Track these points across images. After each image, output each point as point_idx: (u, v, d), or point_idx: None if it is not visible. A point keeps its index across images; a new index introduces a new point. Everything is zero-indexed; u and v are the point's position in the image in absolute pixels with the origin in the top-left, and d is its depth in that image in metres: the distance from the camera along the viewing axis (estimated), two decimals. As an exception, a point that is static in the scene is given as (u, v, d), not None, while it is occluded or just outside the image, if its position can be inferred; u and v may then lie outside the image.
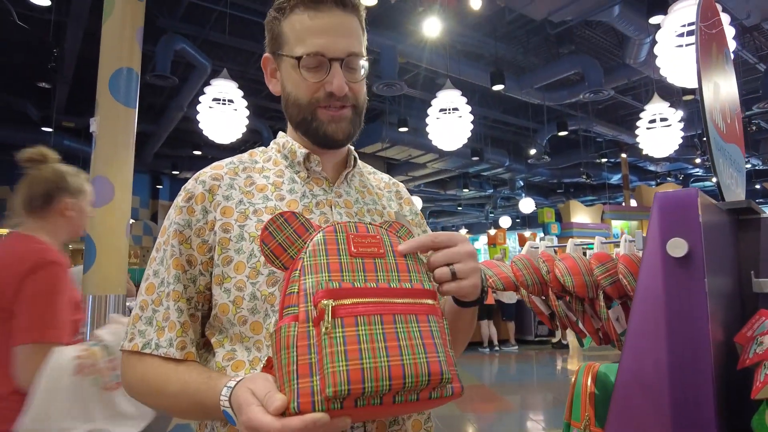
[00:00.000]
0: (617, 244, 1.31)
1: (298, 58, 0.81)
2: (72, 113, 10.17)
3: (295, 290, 0.62)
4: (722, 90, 0.95)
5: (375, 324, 0.60)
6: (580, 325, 1.21)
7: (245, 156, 0.91)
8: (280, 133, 0.96)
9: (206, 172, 0.85)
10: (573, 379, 1.17)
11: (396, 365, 0.58)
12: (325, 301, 0.59)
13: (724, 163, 0.90)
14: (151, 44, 6.87)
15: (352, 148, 0.95)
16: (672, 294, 0.64)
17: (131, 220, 3.48)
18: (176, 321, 0.78)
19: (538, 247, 1.29)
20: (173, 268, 0.80)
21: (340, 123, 0.84)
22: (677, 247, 0.63)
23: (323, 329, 0.57)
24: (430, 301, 0.66)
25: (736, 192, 0.95)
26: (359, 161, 0.96)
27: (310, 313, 0.59)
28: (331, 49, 0.81)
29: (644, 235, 1.06)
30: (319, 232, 0.67)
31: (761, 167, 14.72)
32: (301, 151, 0.88)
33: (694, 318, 0.62)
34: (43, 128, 9.89)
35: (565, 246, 1.32)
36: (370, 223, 0.72)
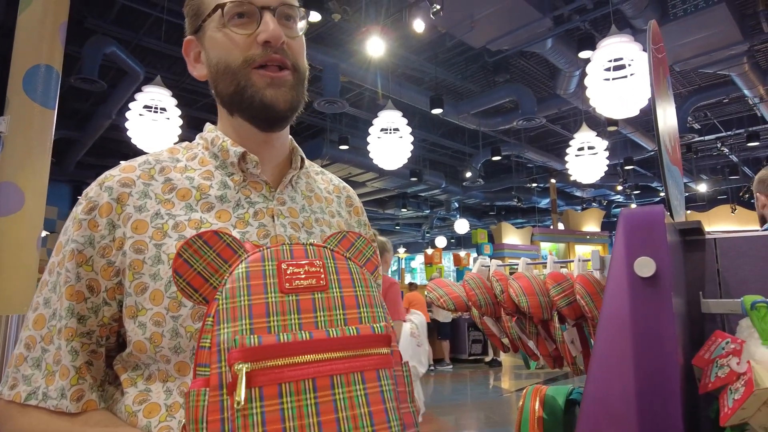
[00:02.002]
0: (545, 265, 1.31)
1: (222, 6, 0.68)
2: (-19, 114, 9.29)
3: (207, 344, 0.49)
4: (667, 113, 0.98)
5: (305, 392, 0.47)
6: (533, 347, 1.19)
7: (164, 154, 0.73)
8: (208, 126, 0.78)
9: (114, 176, 0.68)
10: (520, 403, 1.14)
11: None
12: (239, 365, 0.45)
13: (672, 184, 0.92)
14: (78, 45, 6.44)
15: (297, 146, 0.80)
16: (639, 316, 0.61)
17: (46, 233, 3.16)
18: (69, 366, 0.62)
19: (489, 266, 1.25)
20: (66, 298, 0.63)
21: (281, 88, 0.69)
22: (645, 267, 0.61)
23: (235, 404, 0.45)
24: (383, 350, 0.53)
25: (680, 213, 0.97)
26: (307, 161, 0.82)
27: (224, 376, 0.46)
28: None
29: (602, 255, 1.07)
30: (241, 263, 0.53)
31: (672, 196, 15.98)
32: (235, 149, 0.71)
33: (662, 341, 0.60)
34: (-54, 129, 8.95)
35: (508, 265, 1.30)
36: (311, 244, 0.57)
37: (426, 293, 1.29)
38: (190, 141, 0.79)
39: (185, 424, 0.47)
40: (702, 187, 14.89)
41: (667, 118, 0.98)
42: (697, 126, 11.08)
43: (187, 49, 0.77)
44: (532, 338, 1.17)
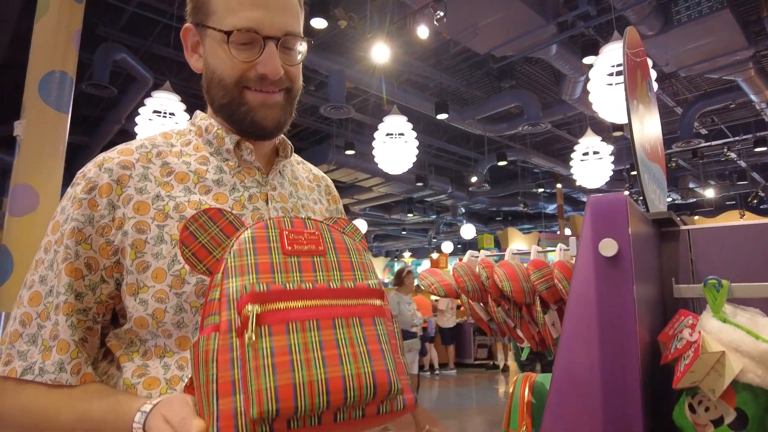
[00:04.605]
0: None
1: (228, 33, 0.69)
2: (-6, 120, 9.48)
3: (217, 296, 0.52)
4: (646, 114, 1.04)
5: (310, 330, 0.50)
6: (518, 330, 1.27)
7: (158, 138, 0.76)
8: (199, 114, 0.81)
9: (113, 158, 0.70)
10: (511, 390, 1.20)
11: (335, 378, 0.49)
12: (250, 307, 0.49)
13: (649, 178, 0.97)
14: (89, 52, 6.58)
15: (284, 136, 0.83)
16: (602, 292, 0.67)
17: (56, 234, 3.23)
18: (69, 340, 0.64)
19: (477, 256, 1.33)
20: (66, 274, 0.65)
21: (271, 109, 0.73)
22: (608, 247, 0.67)
23: (247, 339, 0.48)
24: (377, 302, 0.57)
25: (659, 207, 1.03)
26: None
27: (234, 321, 0.49)
28: (266, 26, 0.70)
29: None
30: (247, 229, 0.57)
31: (680, 201, 15.95)
32: (230, 137, 0.75)
33: (623, 315, 0.66)
34: (-40, 134, 9.13)
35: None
36: (308, 218, 0.61)
37: (419, 281, 1.36)
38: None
39: (192, 375, 0.51)
40: (710, 193, 14.81)
41: (647, 119, 1.04)
42: (704, 131, 11.06)
43: (186, 35, 0.79)
44: (516, 322, 1.24)
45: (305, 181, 0.87)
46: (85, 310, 0.66)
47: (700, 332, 0.67)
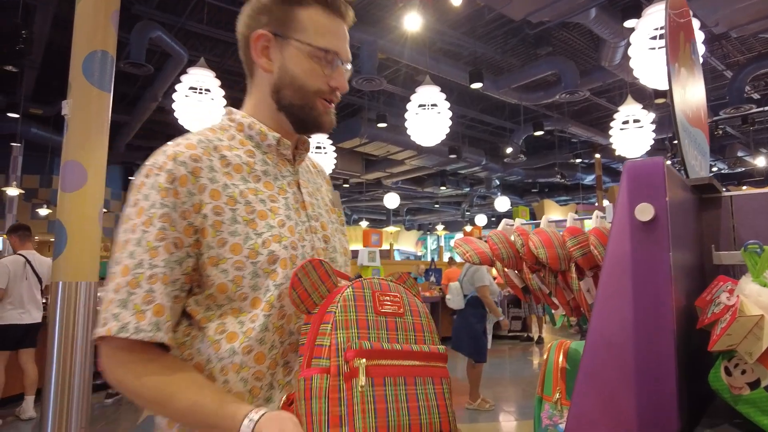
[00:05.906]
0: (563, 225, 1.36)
1: (325, 51, 0.88)
2: (40, 101, 9.87)
3: (327, 344, 0.69)
4: (688, 77, 1.00)
5: (399, 385, 0.70)
6: (553, 297, 1.28)
7: (208, 133, 0.89)
8: (237, 111, 0.95)
9: (183, 153, 0.82)
10: (545, 356, 1.22)
11: (415, 423, 0.70)
12: (359, 360, 0.67)
13: (689, 144, 0.95)
14: (125, 31, 6.71)
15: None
16: (638, 257, 0.67)
17: (103, 210, 3.40)
18: (166, 305, 0.77)
19: (512, 224, 1.34)
20: (165, 251, 0.78)
21: (330, 116, 0.93)
22: (644, 212, 0.67)
23: (357, 387, 0.65)
24: (443, 365, 0.78)
25: (699, 173, 1.00)
26: None
27: (341, 367, 0.67)
28: (343, 53, 0.91)
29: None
30: (348, 287, 0.74)
31: (727, 171, 15.23)
32: (272, 134, 0.91)
33: (657, 278, 0.66)
34: (9, 114, 9.56)
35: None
36: (390, 280, 0.81)
37: (453, 249, 1.38)
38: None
39: (300, 403, 0.67)
40: (760, 162, 14.07)
41: (690, 84, 1.00)
42: (756, 96, 10.45)
43: (257, 40, 0.90)
44: (551, 288, 1.26)
45: (310, 167, 1.04)
46: (173, 281, 0.79)
47: (738, 296, 0.67)
